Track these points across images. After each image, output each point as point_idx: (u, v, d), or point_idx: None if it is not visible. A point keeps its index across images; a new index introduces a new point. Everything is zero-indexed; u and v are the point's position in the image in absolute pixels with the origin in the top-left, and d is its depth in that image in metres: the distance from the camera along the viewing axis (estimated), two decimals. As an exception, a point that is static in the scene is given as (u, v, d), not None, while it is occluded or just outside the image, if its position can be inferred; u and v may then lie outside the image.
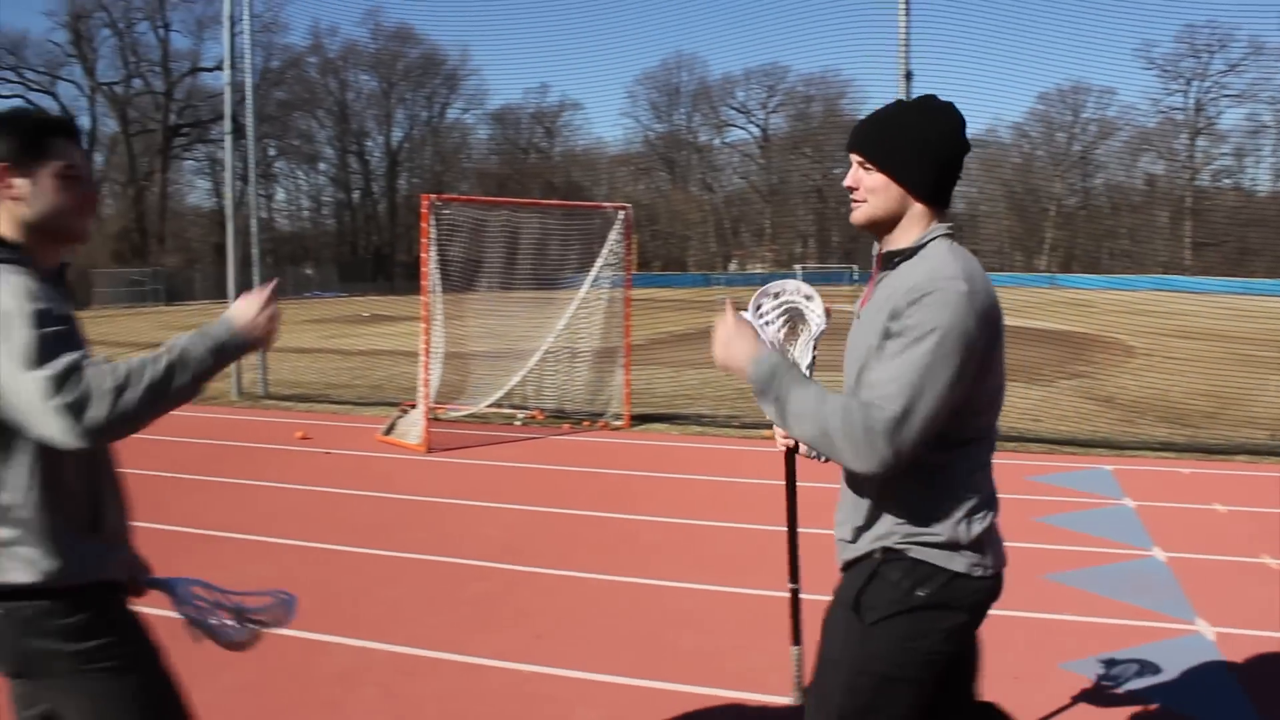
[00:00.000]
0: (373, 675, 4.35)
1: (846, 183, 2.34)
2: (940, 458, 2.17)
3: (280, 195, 67.53)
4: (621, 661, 4.42)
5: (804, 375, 2.23)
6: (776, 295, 2.71)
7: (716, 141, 73.25)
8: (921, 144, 2.23)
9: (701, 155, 72.30)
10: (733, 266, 66.42)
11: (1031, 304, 16.80)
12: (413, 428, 9.27)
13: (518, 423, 10.71)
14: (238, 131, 13.32)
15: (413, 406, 9.62)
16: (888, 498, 2.24)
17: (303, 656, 4.47)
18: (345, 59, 66.56)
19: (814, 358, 2.62)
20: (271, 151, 60.83)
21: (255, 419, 11.12)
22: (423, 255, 9.56)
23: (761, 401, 2.22)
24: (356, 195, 70.28)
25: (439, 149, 70.15)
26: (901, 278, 2.19)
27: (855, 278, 46.70)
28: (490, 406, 11.01)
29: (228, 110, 13.32)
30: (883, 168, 2.25)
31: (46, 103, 62.85)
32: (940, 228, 2.24)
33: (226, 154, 13.26)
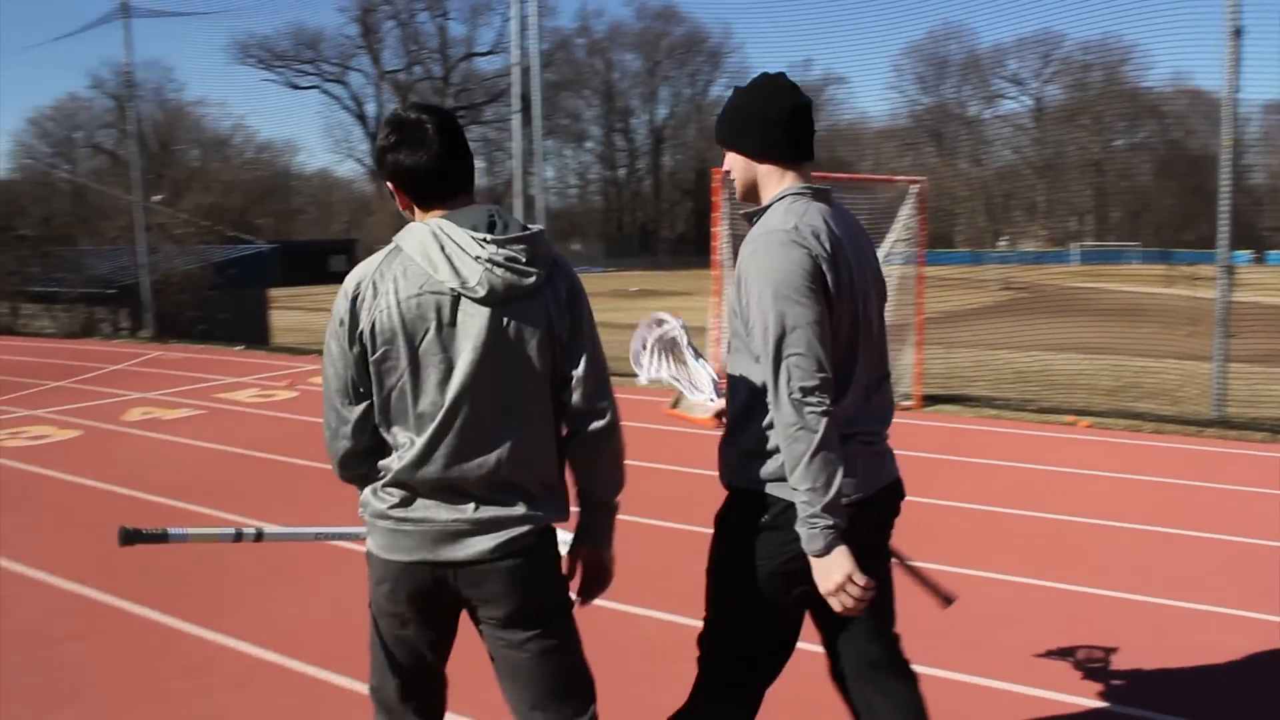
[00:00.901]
0: (685, 650, 4.32)
1: (724, 169, 2.61)
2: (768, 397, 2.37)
3: (550, 173, 69.89)
4: (940, 654, 4.22)
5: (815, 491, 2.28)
6: (645, 347, 2.91)
7: (986, 114, 70.19)
8: (744, 111, 2.51)
9: (970, 128, 69.47)
10: (1002, 244, 63.62)
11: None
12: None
13: (803, 400, 10.47)
14: (525, 111, 13.76)
15: (698, 381, 9.65)
16: (739, 433, 2.50)
17: (614, 628, 4.51)
18: (611, 39, 68.12)
19: (699, 355, 2.86)
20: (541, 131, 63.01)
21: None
22: (714, 230, 9.55)
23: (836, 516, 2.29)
24: (622, 173, 71.84)
25: (702, 126, 70.58)
26: (750, 235, 2.45)
27: (1138, 257, 43.71)
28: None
29: (515, 90, 13.75)
30: (726, 143, 2.55)
31: (339, 92, 67.42)
32: (791, 188, 2.46)
33: (515, 132, 13.73)
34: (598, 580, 2.56)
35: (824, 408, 2.25)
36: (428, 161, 2.24)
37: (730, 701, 2.69)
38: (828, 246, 2.34)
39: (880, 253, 10.51)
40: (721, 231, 9.56)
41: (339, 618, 4.70)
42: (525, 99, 13.65)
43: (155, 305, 17.47)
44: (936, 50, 66.83)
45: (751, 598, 2.51)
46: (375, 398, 2.26)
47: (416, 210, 2.32)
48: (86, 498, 7.11)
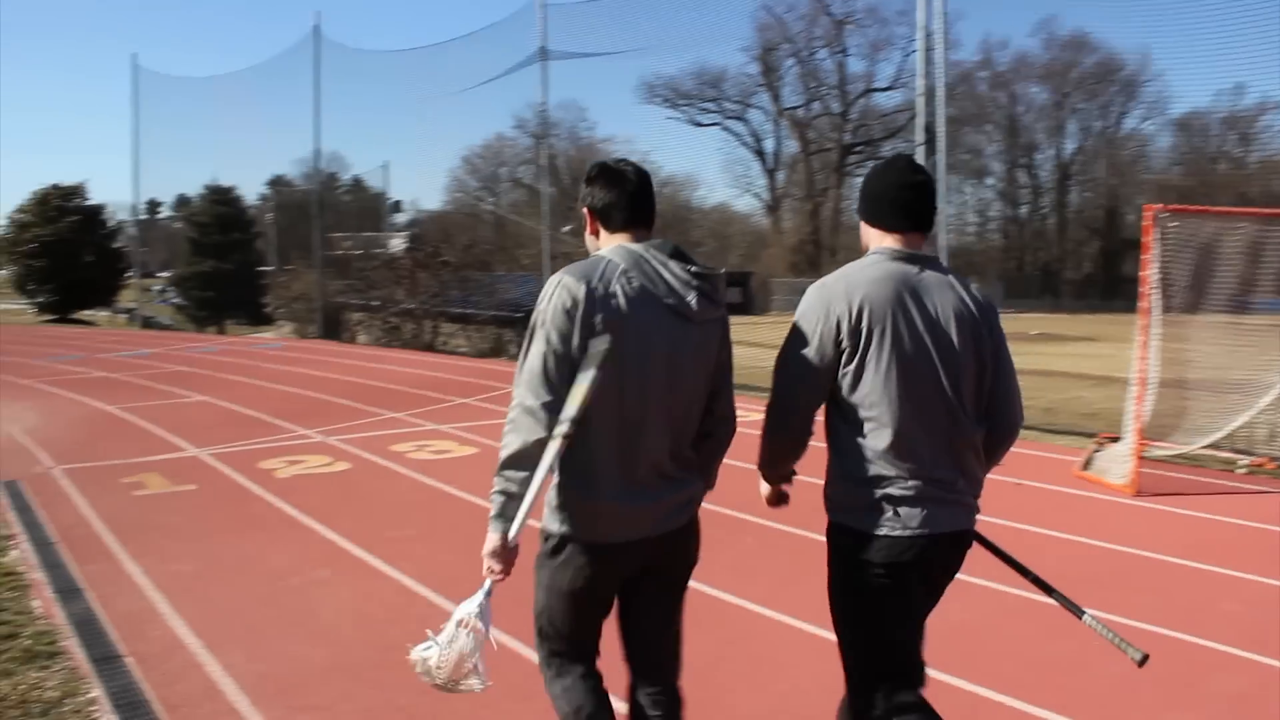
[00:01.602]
0: None
1: None
2: (833, 432, 2.85)
3: (949, 210, 67.60)
4: None
5: None
6: None
7: None
8: (865, 182, 3.02)
9: None
10: None
11: None
12: (1115, 465, 8.22)
13: (1239, 470, 9.10)
14: (929, 144, 13.14)
15: (1111, 440, 8.60)
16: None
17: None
18: (1016, 71, 65.00)
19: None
20: (944, 166, 61.21)
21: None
22: (1142, 273, 8.48)
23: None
24: (1024, 210, 68.35)
25: (1113, 161, 65.82)
26: None
27: None
28: (1205, 448, 9.46)
29: (919, 122, 13.22)
30: (856, 208, 3.04)
31: (739, 129, 69.03)
32: (879, 249, 2.88)
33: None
34: None
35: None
36: (618, 198, 2.82)
37: (888, 689, 2.83)
38: (856, 299, 2.73)
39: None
40: (1151, 275, 8.44)
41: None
42: (929, 131, 13.06)
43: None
44: None
45: (861, 613, 2.85)
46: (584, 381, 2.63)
47: (602, 234, 2.87)
48: (476, 516, 7.31)
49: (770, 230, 66.86)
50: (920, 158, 13.05)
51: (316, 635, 5.03)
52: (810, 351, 2.75)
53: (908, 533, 2.73)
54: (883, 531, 2.73)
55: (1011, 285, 59.35)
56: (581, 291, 2.65)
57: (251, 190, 41.04)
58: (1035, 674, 4.42)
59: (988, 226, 70.77)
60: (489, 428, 11.06)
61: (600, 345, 2.62)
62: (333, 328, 24.80)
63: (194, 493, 8.16)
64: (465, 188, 58.63)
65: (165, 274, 50.39)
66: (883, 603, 2.79)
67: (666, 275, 2.71)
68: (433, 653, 3.00)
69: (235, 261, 34.60)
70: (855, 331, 2.71)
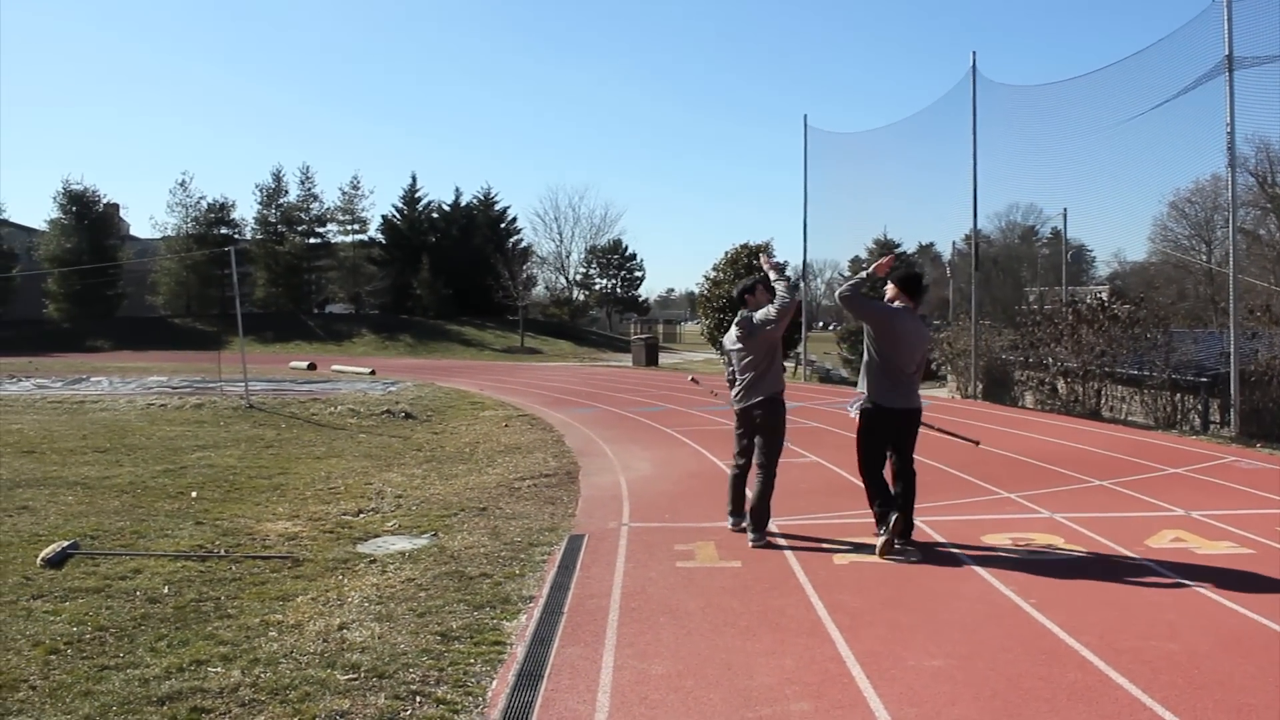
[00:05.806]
0: None
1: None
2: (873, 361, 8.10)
3: None
4: None
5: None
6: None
7: None
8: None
9: None
10: None
11: None
12: None
13: None
14: None
15: None
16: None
17: None
18: None
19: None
20: None
21: None
22: None
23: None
24: None
25: None
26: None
27: None
28: None
29: None
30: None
31: None
32: (898, 303, 8.11)
33: None
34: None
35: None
36: (739, 290, 8.63)
37: (878, 473, 7.97)
38: (886, 314, 8.01)
39: None
40: None
41: None
42: None
43: (1241, 399, 14.95)
44: None
45: (867, 443, 8.05)
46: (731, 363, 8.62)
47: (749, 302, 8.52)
48: (1038, 642, 5.50)
49: None
50: None
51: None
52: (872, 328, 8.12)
53: (890, 405, 7.88)
54: (885, 405, 7.88)
55: None
56: (729, 334, 8.57)
57: (943, 242, 40.54)
58: None
59: None
60: (1113, 523, 8.84)
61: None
62: (996, 388, 23.08)
63: (734, 571, 7.29)
64: (1171, 235, 53.19)
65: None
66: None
67: (743, 322, 8.24)
68: None
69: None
70: (883, 326, 7.97)
